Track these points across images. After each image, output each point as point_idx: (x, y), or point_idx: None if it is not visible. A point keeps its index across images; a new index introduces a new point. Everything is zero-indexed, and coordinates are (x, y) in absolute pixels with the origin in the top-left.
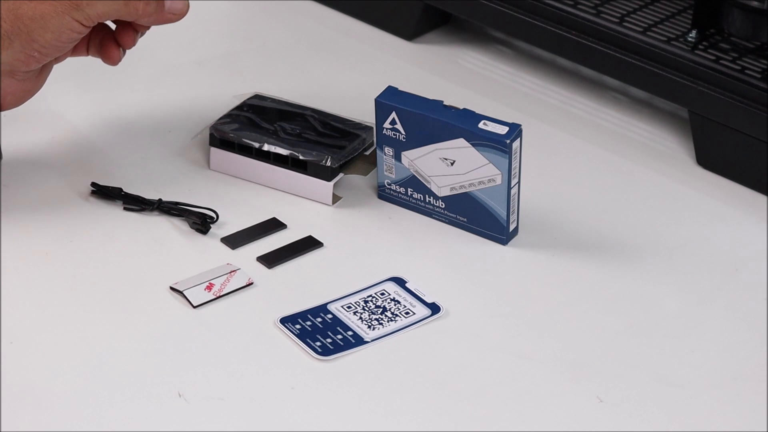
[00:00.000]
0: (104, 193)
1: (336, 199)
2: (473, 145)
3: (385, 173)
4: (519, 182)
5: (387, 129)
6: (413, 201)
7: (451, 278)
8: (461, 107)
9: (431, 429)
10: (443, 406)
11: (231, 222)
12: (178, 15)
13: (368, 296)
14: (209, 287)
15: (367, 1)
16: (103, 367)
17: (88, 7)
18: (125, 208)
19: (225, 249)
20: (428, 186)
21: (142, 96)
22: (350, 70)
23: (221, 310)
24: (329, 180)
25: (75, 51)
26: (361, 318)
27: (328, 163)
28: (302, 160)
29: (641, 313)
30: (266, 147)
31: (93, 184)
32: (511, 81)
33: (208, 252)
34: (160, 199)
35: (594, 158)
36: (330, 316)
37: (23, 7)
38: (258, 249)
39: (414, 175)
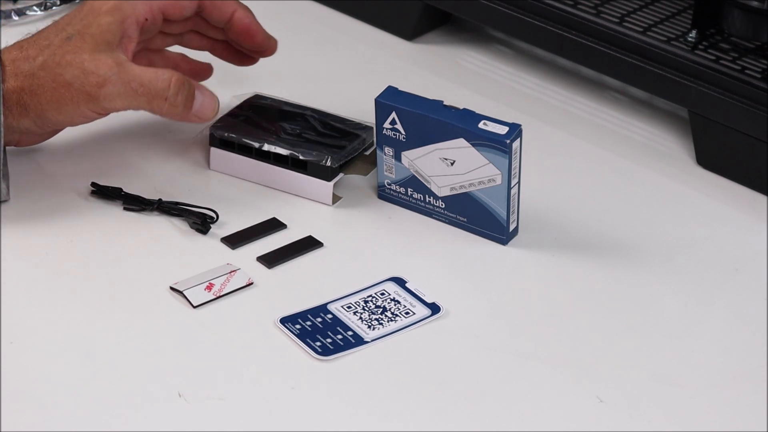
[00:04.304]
0: (104, 193)
1: (336, 199)
2: (473, 145)
3: (385, 173)
4: (519, 182)
5: (387, 129)
6: (413, 201)
7: (451, 278)
8: (461, 107)
9: (431, 429)
10: (443, 406)
11: (231, 222)
12: (202, 120)
13: (368, 296)
14: (209, 287)
15: (367, 1)
16: (103, 367)
17: (105, 101)
18: (125, 208)
19: (225, 249)
20: (428, 186)
21: None
22: (350, 70)
23: (221, 310)
24: (329, 180)
25: None
26: (361, 318)
27: (328, 163)
28: (302, 160)
29: (641, 313)
30: (266, 147)
31: (93, 184)
32: (511, 81)
33: (208, 252)
34: (160, 199)
35: (594, 158)
36: (330, 316)
37: (43, 86)
38: (258, 249)
39: (414, 175)
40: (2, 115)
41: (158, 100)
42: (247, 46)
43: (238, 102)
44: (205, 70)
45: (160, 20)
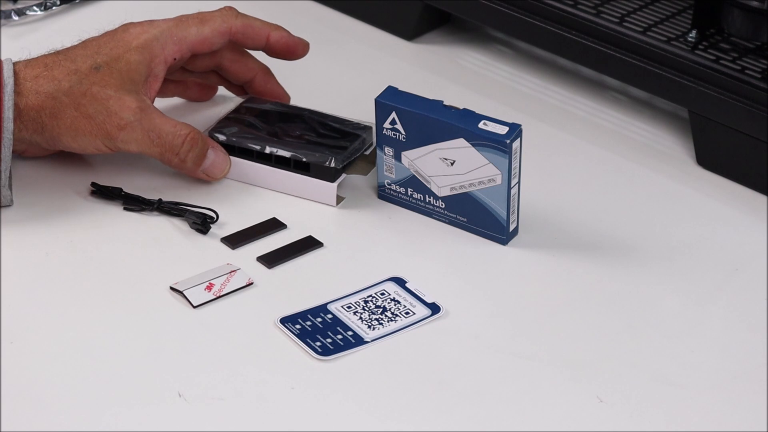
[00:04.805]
0: (104, 193)
1: (339, 199)
2: (473, 145)
3: (385, 173)
4: (519, 182)
5: (387, 129)
6: (413, 201)
7: (451, 278)
8: (461, 107)
9: (431, 429)
10: (443, 406)
11: (231, 222)
12: (210, 178)
13: (368, 296)
14: (209, 287)
15: (367, 1)
16: (103, 366)
17: (121, 142)
18: (125, 208)
19: (225, 249)
20: (428, 186)
21: None
22: (350, 70)
23: (221, 310)
24: (333, 181)
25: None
26: (361, 318)
27: (332, 164)
28: (305, 162)
29: (641, 313)
30: (268, 149)
31: (93, 184)
32: (511, 81)
33: (208, 252)
34: (160, 199)
35: (594, 158)
36: (330, 316)
37: (65, 112)
38: (258, 249)
39: (414, 175)
40: (11, 122)
41: (169, 154)
42: (290, 59)
43: (234, 105)
44: (211, 90)
45: (188, 57)
